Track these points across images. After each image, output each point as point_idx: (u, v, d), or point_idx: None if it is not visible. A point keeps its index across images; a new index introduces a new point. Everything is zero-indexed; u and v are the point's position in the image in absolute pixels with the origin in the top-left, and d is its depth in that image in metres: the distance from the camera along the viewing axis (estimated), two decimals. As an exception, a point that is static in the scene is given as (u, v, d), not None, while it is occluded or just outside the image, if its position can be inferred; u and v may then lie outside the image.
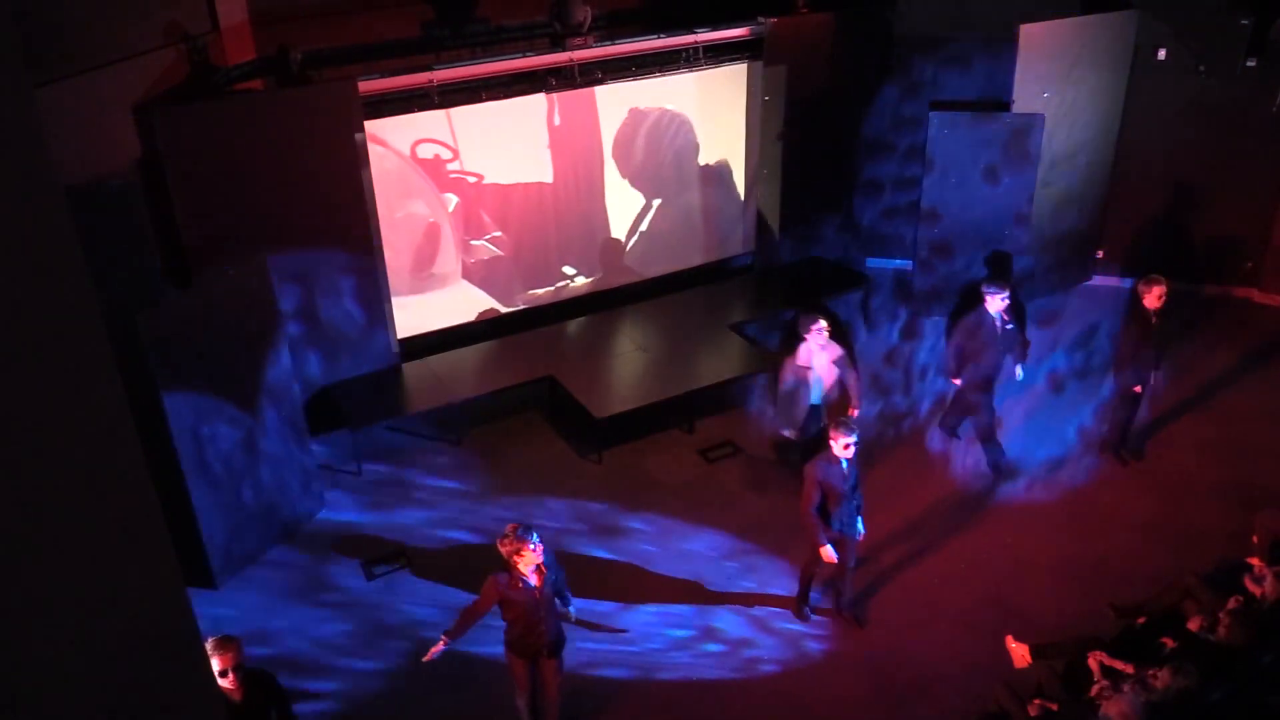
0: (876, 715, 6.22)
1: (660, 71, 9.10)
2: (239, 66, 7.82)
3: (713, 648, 6.67)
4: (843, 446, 6.18)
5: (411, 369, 8.72)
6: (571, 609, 5.75)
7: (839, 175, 10.29)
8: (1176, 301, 8.15)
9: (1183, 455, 8.26)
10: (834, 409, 7.53)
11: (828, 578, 6.82)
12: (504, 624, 5.53)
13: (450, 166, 8.66)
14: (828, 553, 6.37)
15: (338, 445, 8.24)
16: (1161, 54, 9.75)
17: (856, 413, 7.58)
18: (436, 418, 8.61)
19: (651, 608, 6.93)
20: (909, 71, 10.13)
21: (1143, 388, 7.87)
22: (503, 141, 8.74)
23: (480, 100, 8.35)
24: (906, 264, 10.45)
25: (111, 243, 6.50)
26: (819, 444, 6.68)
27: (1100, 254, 10.69)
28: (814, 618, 6.84)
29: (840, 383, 7.58)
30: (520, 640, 5.50)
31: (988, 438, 7.97)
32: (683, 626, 6.82)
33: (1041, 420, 8.63)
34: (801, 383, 7.53)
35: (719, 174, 10.05)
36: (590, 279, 9.72)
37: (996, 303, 7.56)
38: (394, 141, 8.31)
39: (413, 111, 8.08)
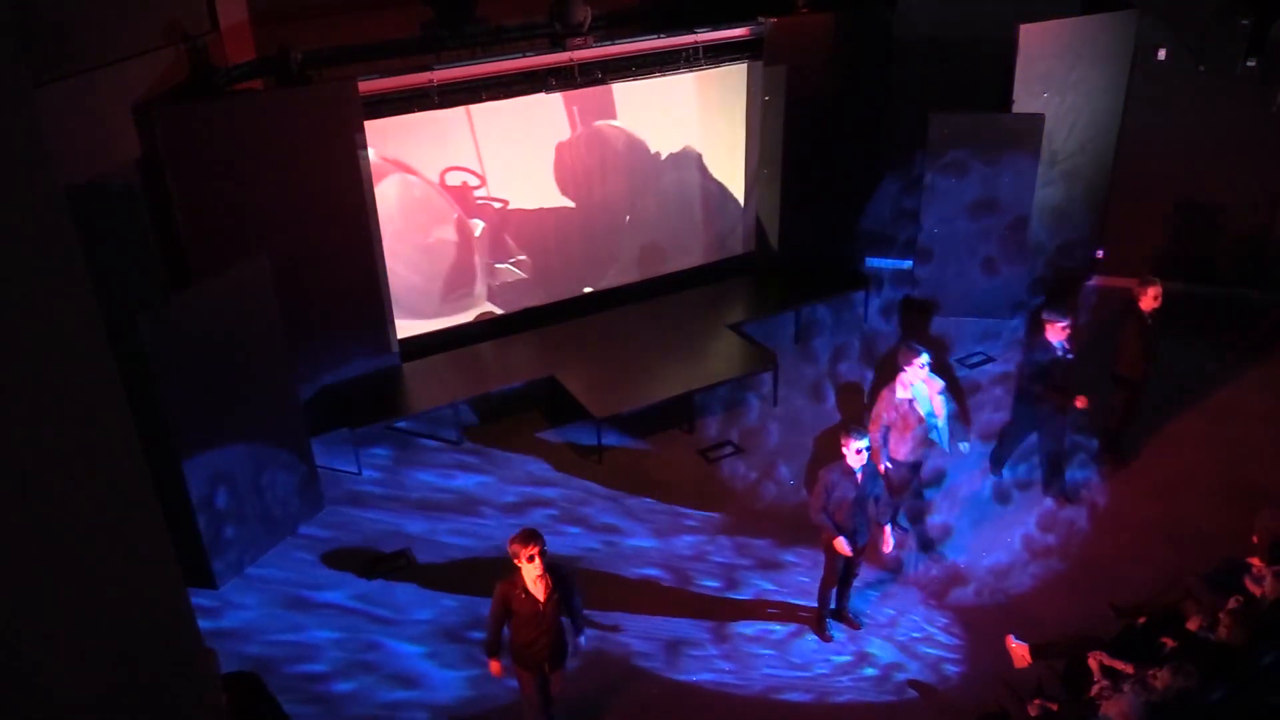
0: (876, 714, 6.22)
1: (660, 71, 9.10)
2: (239, 66, 7.82)
3: (713, 650, 6.68)
4: (855, 452, 6.12)
5: (411, 369, 8.72)
6: (582, 639, 5.67)
7: (839, 175, 10.28)
8: (1177, 302, 8.16)
9: (1183, 455, 8.26)
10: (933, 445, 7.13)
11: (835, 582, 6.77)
12: (510, 631, 5.46)
13: (477, 193, 8.90)
14: (841, 544, 6.28)
15: (338, 445, 8.24)
16: (1161, 54, 9.74)
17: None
18: (436, 418, 8.61)
19: (651, 616, 6.92)
20: (909, 71, 10.12)
21: (1141, 388, 7.86)
22: (527, 163, 8.97)
23: (480, 100, 8.35)
24: (906, 264, 10.45)
25: (111, 243, 6.51)
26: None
27: (1100, 254, 10.69)
28: (835, 635, 6.80)
29: (945, 417, 7.07)
30: (522, 649, 5.43)
31: (1057, 464, 7.79)
32: (683, 629, 6.83)
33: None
34: (902, 418, 6.90)
35: (719, 174, 10.05)
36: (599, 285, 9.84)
37: (1057, 330, 7.24)
38: (423, 169, 8.51)
39: (413, 111, 8.08)
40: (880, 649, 6.73)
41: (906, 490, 7.29)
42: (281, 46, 7.60)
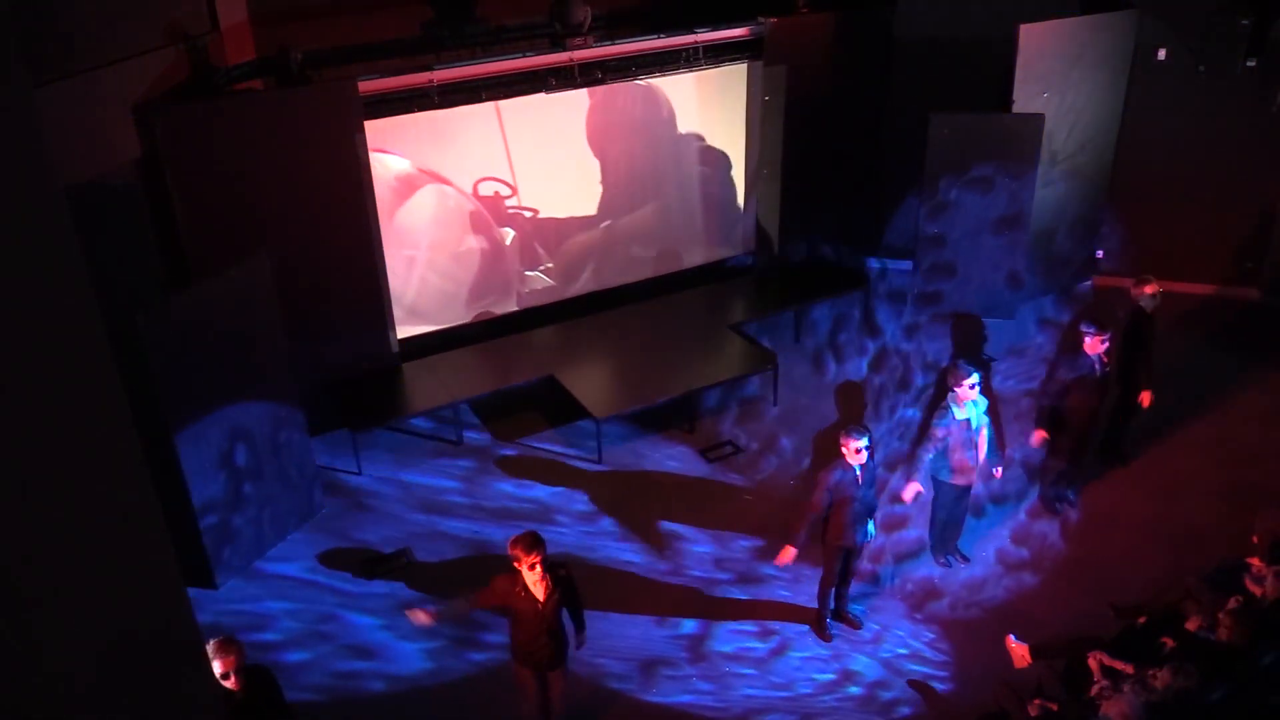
0: (874, 714, 6.22)
1: (660, 71, 9.10)
2: (239, 66, 7.82)
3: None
4: (854, 451, 6.13)
5: (411, 369, 8.72)
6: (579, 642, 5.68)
7: (839, 175, 10.28)
8: (1176, 302, 8.16)
9: (1183, 456, 8.26)
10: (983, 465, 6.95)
11: (832, 584, 6.75)
12: (509, 629, 5.47)
13: (509, 203, 9.05)
14: (789, 555, 6.35)
15: (338, 445, 8.24)
16: (1161, 54, 9.74)
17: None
18: (436, 418, 8.61)
19: (649, 617, 6.92)
20: (909, 71, 10.13)
21: (1139, 388, 7.86)
22: (556, 171, 9.12)
23: (480, 100, 8.35)
24: (906, 264, 10.45)
25: (111, 243, 6.50)
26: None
27: (1100, 254, 10.69)
28: (836, 636, 6.76)
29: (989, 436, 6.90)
30: (522, 649, 5.43)
31: (1069, 481, 7.72)
32: (686, 632, 6.82)
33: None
34: (951, 436, 6.77)
35: (719, 174, 10.05)
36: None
37: (1095, 344, 7.11)
38: (457, 179, 8.69)
39: (413, 111, 8.08)
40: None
41: (955, 512, 7.11)
42: (281, 46, 7.60)
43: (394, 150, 8.34)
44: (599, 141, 9.29)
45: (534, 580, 5.18)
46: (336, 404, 8.25)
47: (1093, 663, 5.51)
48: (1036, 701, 5.51)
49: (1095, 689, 5.23)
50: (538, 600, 5.23)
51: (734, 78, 9.62)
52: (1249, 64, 9.31)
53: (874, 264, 10.99)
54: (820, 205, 10.28)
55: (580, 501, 7.92)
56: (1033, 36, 9.07)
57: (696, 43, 9.10)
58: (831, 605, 6.77)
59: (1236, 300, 10.37)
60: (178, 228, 7.25)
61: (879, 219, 10.87)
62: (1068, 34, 9.28)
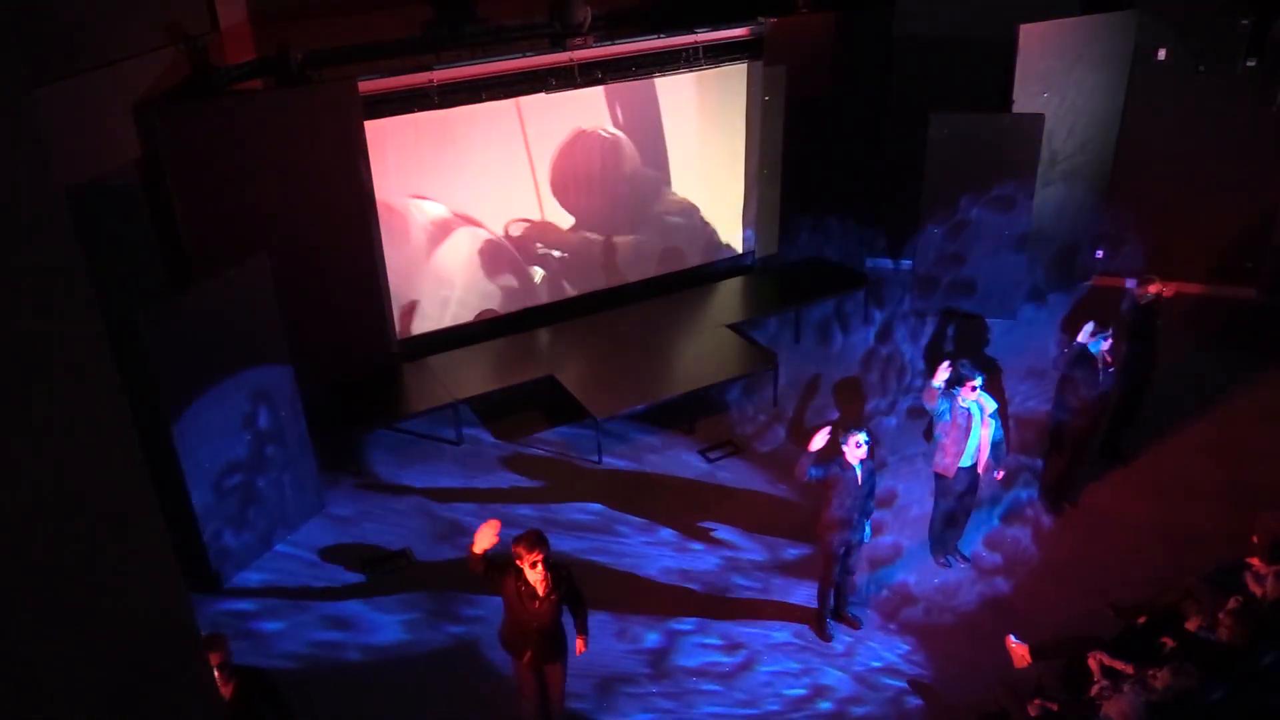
0: (874, 713, 6.22)
1: (660, 71, 9.10)
2: (239, 66, 7.82)
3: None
4: (854, 447, 6.13)
5: (411, 369, 8.72)
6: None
7: (839, 175, 10.28)
8: (1176, 301, 8.16)
9: (1183, 456, 8.26)
10: (987, 465, 6.88)
11: (832, 584, 6.74)
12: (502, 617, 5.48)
13: (538, 244, 9.32)
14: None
15: (338, 445, 8.24)
16: (1161, 54, 9.75)
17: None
18: (436, 418, 8.62)
19: (648, 617, 6.92)
20: (909, 71, 10.13)
21: (1140, 388, 7.86)
22: (529, 165, 9.11)
23: (480, 100, 8.35)
24: (906, 264, 10.46)
25: (111, 243, 6.51)
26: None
27: (1100, 254, 10.69)
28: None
29: (991, 441, 6.83)
30: (510, 634, 5.44)
31: (1070, 481, 7.70)
32: (685, 634, 6.82)
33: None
34: (957, 427, 6.73)
35: (719, 174, 10.05)
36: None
37: (1100, 344, 7.13)
38: (489, 223, 9.01)
39: (413, 111, 8.08)
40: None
41: (955, 510, 7.05)
42: (281, 46, 7.60)
43: (430, 196, 8.55)
44: (598, 144, 9.29)
45: (535, 579, 5.19)
46: (337, 404, 8.25)
47: (1093, 663, 5.51)
48: (1036, 701, 5.51)
49: (1095, 689, 5.23)
50: (535, 598, 5.24)
51: (734, 78, 9.62)
52: (1249, 64, 9.31)
53: (873, 264, 10.99)
54: (820, 205, 10.28)
55: (579, 502, 7.92)
56: (1032, 36, 9.07)
57: (696, 43, 9.10)
58: (831, 605, 6.77)
59: (1235, 300, 10.38)
60: (178, 228, 7.25)
61: (878, 219, 10.87)
62: (1067, 34, 9.29)
